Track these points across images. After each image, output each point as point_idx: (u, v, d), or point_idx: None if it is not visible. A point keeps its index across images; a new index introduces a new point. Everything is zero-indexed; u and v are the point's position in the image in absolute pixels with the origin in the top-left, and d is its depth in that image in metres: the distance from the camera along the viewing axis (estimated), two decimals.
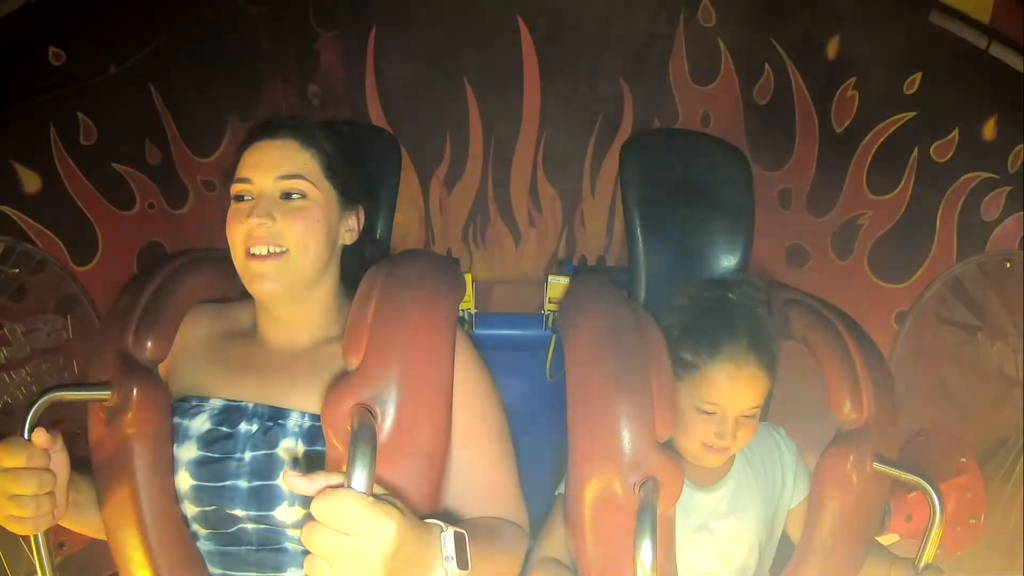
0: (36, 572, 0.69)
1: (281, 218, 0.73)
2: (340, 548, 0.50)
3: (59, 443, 0.66)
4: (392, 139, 1.04)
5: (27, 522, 0.64)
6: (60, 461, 0.66)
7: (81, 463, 0.72)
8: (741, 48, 1.42)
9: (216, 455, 0.72)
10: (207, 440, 0.73)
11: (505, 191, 1.68)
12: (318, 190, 0.77)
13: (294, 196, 0.75)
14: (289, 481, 0.54)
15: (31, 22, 0.89)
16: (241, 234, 0.73)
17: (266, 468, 0.71)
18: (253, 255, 0.73)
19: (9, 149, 0.91)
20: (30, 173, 0.94)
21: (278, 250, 0.73)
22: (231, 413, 0.74)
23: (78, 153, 0.99)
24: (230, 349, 0.79)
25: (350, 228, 0.81)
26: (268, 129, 0.78)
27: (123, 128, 1.06)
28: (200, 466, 0.72)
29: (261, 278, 0.73)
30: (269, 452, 0.71)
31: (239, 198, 0.76)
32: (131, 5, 1.04)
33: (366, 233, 0.84)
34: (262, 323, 0.79)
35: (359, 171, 0.83)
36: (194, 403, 0.75)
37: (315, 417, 0.72)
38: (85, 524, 0.75)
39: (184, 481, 0.72)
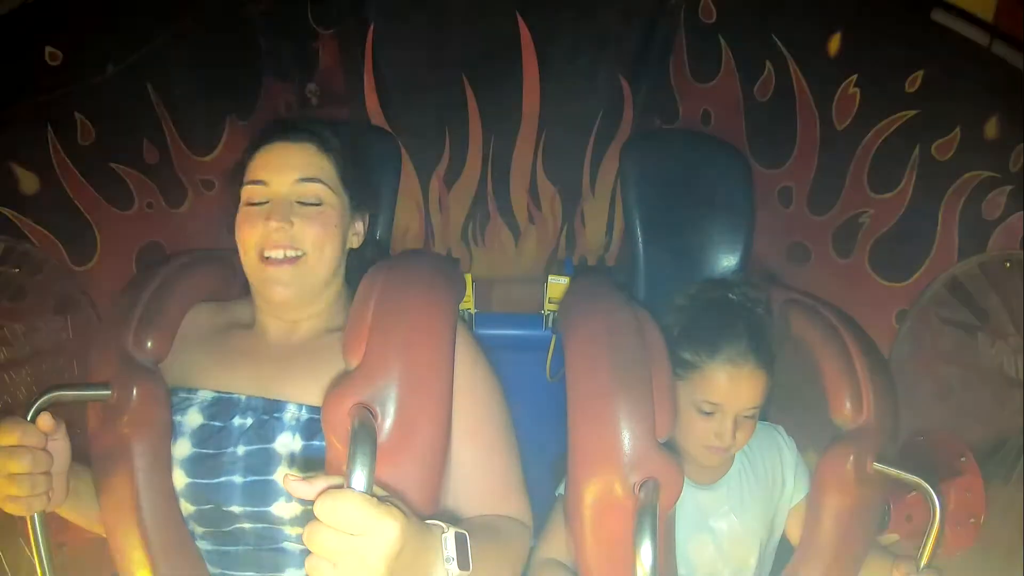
0: (36, 572, 0.69)
1: (298, 222, 0.74)
2: (343, 548, 0.51)
3: (61, 431, 0.66)
4: (392, 140, 1.04)
5: (22, 501, 0.64)
6: (61, 448, 0.67)
7: (82, 457, 0.71)
8: (742, 45, 1.42)
9: (210, 451, 0.72)
10: (200, 436, 0.72)
11: (504, 189, 1.68)
12: (334, 194, 0.77)
13: (311, 200, 0.75)
14: (289, 485, 0.54)
15: (28, 22, 0.88)
16: (255, 237, 0.73)
17: (262, 463, 0.71)
18: (269, 259, 0.73)
19: (7, 150, 0.90)
20: (28, 174, 0.93)
21: (295, 254, 0.73)
22: (223, 406, 0.73)
23: (76, 153, 0.99)
24: (225, 341, 0.79)
25: (357, 232, 0.82)
26: (284, 131, 0.77)
27: (121, 128, 1.05)
28: (194, 463, 0.72)
29: (277, 283, 0.73)
30: (265, 447, 0.71)
31: (253, 200, 0.75)
32: (129, 5, 1.04)
33: (367, 234, 0.85)
34: (262, 320, 0.79)
35: (367, 175, 0.84)
36: (183, 395, 0.75)
37: (313, 409, 0.72)
38: (86, 515, 0.75)
39: (179, 479, 0.72)
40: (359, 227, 0.82)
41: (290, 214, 0.73)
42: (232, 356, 0.78)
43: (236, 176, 0.78)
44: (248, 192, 0.76)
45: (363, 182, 0.83)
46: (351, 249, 0.83)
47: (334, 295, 0.80)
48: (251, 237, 0.74)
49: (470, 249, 1.73)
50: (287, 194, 0.75)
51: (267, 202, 0.75)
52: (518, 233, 1.73)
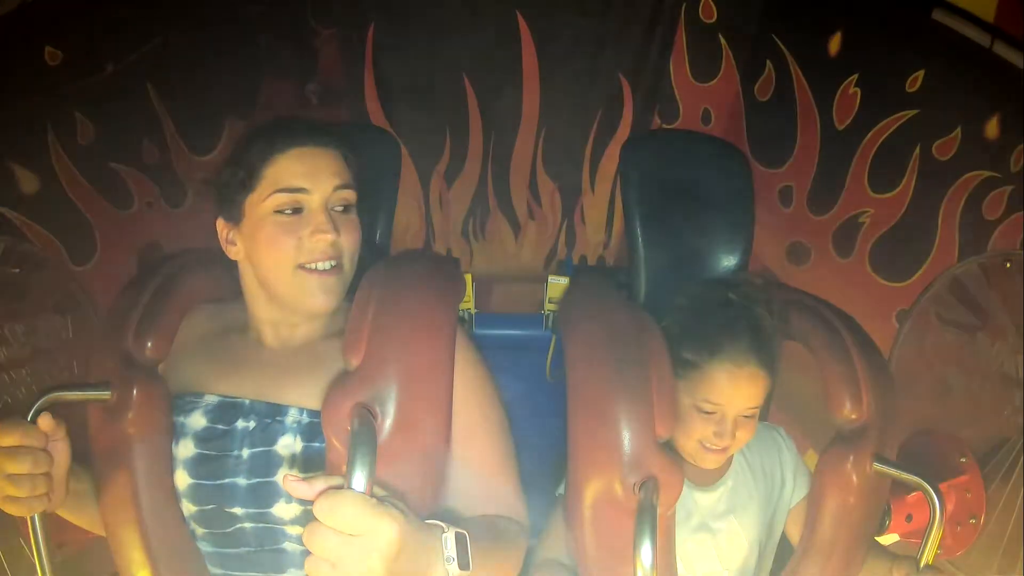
0: (36, 572, 0.69)
1: (342, 231, 0.73)
2: (342, 549, 0.51)
3: (62, 431, 0.66)
4: (392, 140, 1.04)
5: (22, 502, 0.64)
6: (61, 449, 0.67)
7: (82, 458, 0.72)
8: (742, 45, 1.41)
9: (213, 453, 0.72)
10: (204, 437, 0.72)
11: (505, 186, 1.68)
12: (356, 199, 0.77)
13: (342, 207, 0.75)
14: (289, 486, 0.54)
15: (27, 22, 0.88)
16: (293, 248, 0.72)
17: (264, 465, 0.71)
18: (313, 270, 0.72)
19: (6, 150, 0.90)
20: (27, 173, 0.93)
21: (335, 264, 0.73)
22: (227, 410, 0.74)
23: (76, 153, 0.99)
24: (227, 346, 0.79)
25: None
26: (309, 134, 0.75)
27: (121, 127, 1.05)
28: (198, 464, 0.72)
29: (322, 292, 0.72)
30: (267, 449, 0.71)
31: (287, 208, 0.72)
32: (128, 4, 1.04)
33: (365, 234, 0.84)
34: (259, 326, 0.79)
35: (360, 171, 0.83)
36: (189, 399, 0.75)
37: (314, 413, 0.72)
38: (85, 515, 0.75)
39: (182, 479, 0.72)
40: None
41: (336, 224, 0.73)
42: (235, 361, 0.77)
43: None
44: (282, 200, 0.72)
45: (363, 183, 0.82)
46: None
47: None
48: (288, 248, 0.71)
49: (470, 245, 1.73)
50: (326, 202, 0.73)
51: (302, 210, 0.73)
52: (518, 229, 1.73)
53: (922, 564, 0.75)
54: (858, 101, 1.16)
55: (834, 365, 0.82)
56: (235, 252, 0.77)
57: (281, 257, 0.72)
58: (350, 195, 0.75)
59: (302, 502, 0.69)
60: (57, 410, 0.67)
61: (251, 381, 0.76)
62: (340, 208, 0.75)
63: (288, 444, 0.71)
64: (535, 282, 1.62)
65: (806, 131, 1.26)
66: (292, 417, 0.72)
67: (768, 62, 1.33)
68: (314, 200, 0.73)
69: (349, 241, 0.74)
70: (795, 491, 0.92)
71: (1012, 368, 0.90)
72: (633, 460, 0.71)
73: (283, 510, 0.70)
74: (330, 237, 0.72)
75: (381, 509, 0.52)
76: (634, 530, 0.67)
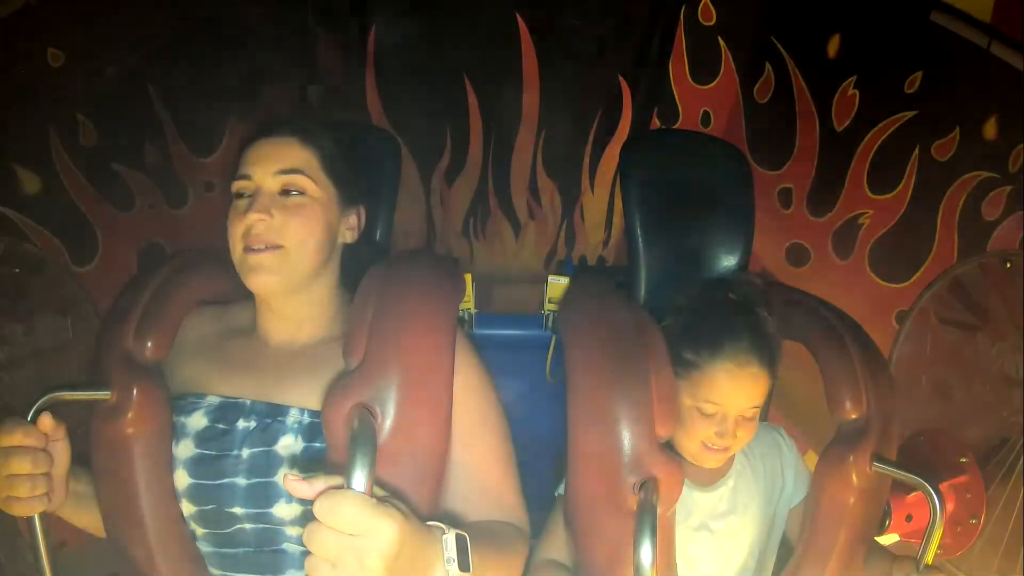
0: (36, 572, 0.69)
1: (279, 214, 0.73)
2: (342, 549, 0.50)
3: (62, 432, 0.66)
4: (392, 140, 1.04)
5: (22, 503, 0.64)
6: (61, 449, 0.67)
7: (81, 459, 0.72)
8: (741, 47, 1.42)
9: (213, 452, 0.72)
10: (204, 437, 0.72)
11: (505, 185, 1.69)
12: (317, 187, 0.77)
13: (293, 192, 0.76)
14: (289, 485, 0.54)
15: (30, 24, 0.89)
16: (240, 230, 0.74)
17: (264, 465, 0.71)
18: (250, 249, 0.73)
19: (9, 151, 0.91)
20: (29, 174, 0.93)
21: (275, 245, 0.73)
22: (228, 410, 0.74)
23: (77, 154, 0.99)
24: (228, 347, 0.79)
25: (351, 227, 0.81)
26: (268, 128, 0.79)
27: (122, 129, 1.06)
28: (198, 464, 0.72)
29: (258, 270, 0.73)
30: (268, 449, 0.71)
31: (239, 195, 0.76)
32: (130, 6, 1.04)
33: (366, 233, 0.84)
34: (262, 320, 0.79)
35: (360, 170, 0.83)
36: (191, 400, 0.75)
37: (314, 414, 0.72)
38: (85, 516, 0.75)
39: (182, 479, 0.72)
40: (352, 221, 0.82)
41: (271, 206, 0.74)
42: (236, 362, 0.77)
43: (232, 176, 0.79)
44: (235, 187, 0.76)
45: (354, 175, 0.82)
46: (347, 245, 0.82)
47: (327, 293, 0.80)
48: (236, 231, 0.74)
49: (471, 244, 1.74)
50: (269, 187, 0.75)
51: (250, 195, 0.75)
52: (518, 228, 1.73)
53: (922, 564, 0.75)
54: (857, 102, 1.17)
55: (834, 365, 0.82)
56: None
57: (234, 238, 0.74)
58: (298, 179, 0.75)
59: (302, 502, 0.69)
60: (57, 410, 0.67)
61: (252, 381, 0.76)
62: (294, 192, 0.75)
63: (289, 444, 0.71)
64: (535, 282, 1.62)
65: (805, 133, 1.27)
66: (293, 417, 0.73)
67: (767, 64, 1.33)
68: (255, 184, 0.75)
69: (290, 223, 0.74)
70: (796, 492, 0.92)
71: (1012, 368, 0.90)
72: (633, 460, 0.71)
73: (283, 510, 0.70)
74: (255, 216, 0.72)
75: (381, 509, 0.52)
76: (634, 530, 0.67)
